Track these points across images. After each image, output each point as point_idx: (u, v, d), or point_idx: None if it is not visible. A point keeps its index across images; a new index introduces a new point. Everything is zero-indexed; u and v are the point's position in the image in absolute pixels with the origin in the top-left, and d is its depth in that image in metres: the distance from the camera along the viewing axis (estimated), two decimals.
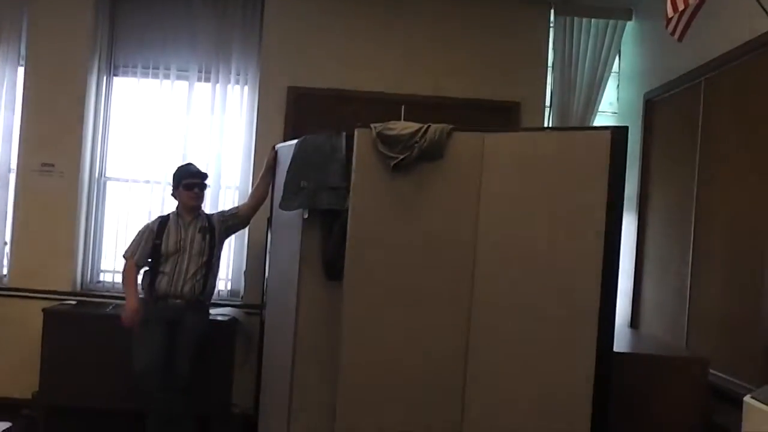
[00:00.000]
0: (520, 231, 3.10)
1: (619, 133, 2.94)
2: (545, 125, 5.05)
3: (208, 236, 4.22)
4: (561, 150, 3.06)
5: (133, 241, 4.25)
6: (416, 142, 3.21)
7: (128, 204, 5.19)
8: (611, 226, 2.94)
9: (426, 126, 3.24)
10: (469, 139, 3.22)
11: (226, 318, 4.70)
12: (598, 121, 5.08)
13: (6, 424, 2.79)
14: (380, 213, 3.30)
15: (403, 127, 3.26)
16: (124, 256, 4.24)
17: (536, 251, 3.06)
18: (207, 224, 4.27)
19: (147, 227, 4.28)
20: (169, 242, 4.17)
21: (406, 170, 3.25)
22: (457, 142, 3.23)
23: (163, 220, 4.28)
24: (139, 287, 4.21)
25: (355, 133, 3.33)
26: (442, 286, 3.22)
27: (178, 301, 4.13)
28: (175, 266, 4.12)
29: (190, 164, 4.42)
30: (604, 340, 2.91)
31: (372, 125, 3.29)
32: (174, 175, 4.32)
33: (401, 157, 3.22)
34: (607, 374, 2.90)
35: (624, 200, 3.05)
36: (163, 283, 4.11)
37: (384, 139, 3.25)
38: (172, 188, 4.34)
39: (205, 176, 4.33)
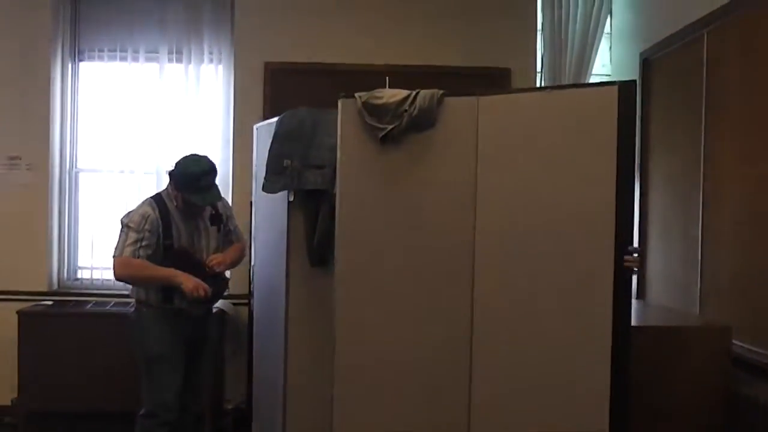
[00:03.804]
0: (523, 200, 2.86)
1: (626, 89, 2.69)
2: None
3: (222, 227, 3.50)
4: (563, 110, 2.81)
5: (126, 235, 3.20)
6: (405, 111, 2.95)
7: (103, 196, 4.89)
8: (622, 190, 2.70)
9: (415, 92, 2.97)
10: (462, 104, 2.96)
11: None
12: None
13: None
14: (370, 190, 3.04)
15: (390, 95, 2.99)
16: (114, 256, 3.23)
17: (541, 221, 2.82)
18: (215, 210, 3.47)
19: (145, 217, 3.22)
20: (181, 240, 3.32)
21: (396, 142, 2.99)
22: (449, 109, 2.97)
23: (161, 208, 3.29)
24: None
25: (339, 103, 3.06)
26: (442, 264, 2.97)
27: (199, 313, 3.41)
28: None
29: (194, 169, 3.26)
30: (621, 314, 2.68)
31: (357, 95, 3.02)
32: (174, 176, 3.30)
33: (390, 127, 2.96)
34: (626, 351, 2.68)
35: (635, 161, 2.82)
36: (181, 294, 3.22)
37: (371, 109, 2.98)
38: (171, 186, 3.36)
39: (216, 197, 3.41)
